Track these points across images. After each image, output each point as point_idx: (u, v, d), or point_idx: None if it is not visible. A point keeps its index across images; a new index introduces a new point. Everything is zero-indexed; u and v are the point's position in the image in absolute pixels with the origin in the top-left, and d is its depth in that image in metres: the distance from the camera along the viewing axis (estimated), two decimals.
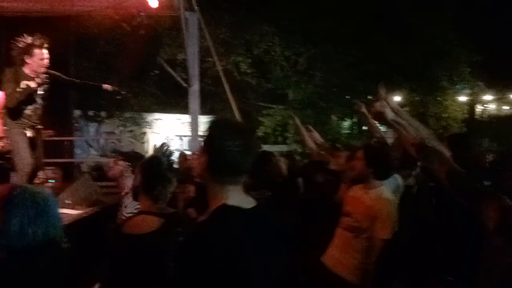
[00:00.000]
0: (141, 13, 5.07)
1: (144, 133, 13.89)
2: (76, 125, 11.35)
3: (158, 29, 5.56)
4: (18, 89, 3.80)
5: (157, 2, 5.10)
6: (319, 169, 4.07)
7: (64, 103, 6.50)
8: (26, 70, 3.91)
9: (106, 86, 4.52)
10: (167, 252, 1.86)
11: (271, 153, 3.96)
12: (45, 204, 1.71)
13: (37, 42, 3.89)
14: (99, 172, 10.42)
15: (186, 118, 13.93)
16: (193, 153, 5.55)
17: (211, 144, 1.43)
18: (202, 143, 1.46)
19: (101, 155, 12.60)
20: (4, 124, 4.11)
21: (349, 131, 17.35)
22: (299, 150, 11.81)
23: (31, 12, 5.98)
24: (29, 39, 3.87)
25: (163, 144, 2.35)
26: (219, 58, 7.15)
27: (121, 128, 12.57)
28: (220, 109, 13.26)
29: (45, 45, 3.93)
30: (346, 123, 17.49)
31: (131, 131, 13.44)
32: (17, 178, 4.14)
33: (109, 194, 6.30)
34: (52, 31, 5.71)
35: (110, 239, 2.20)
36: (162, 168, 2.23)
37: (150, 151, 13.58)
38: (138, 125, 13.66)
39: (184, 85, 6.09)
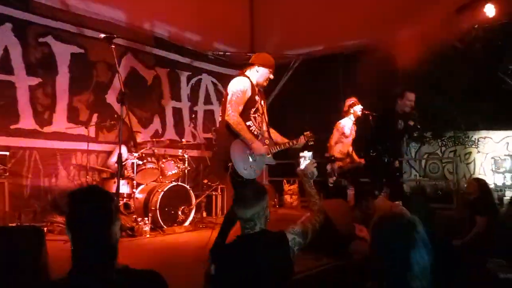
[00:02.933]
0: (475, 26, 4.76)
1: (469, 153, 12.82)
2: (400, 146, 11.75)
3: (495, 39, 5.07)
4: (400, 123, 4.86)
5: (494, 10, 4.67)
6: None
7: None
8: (399, 109, 4.89)
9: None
10: None
11: None
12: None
13: (408, 86, 4.89)
14: (421, 194, 10.40)
15: None
16: None
17: None
18: None
19: (422, 176, 12.52)
20: (371, 151, 4.98)
21: None
22: None
23: (363, 47, 6.70)
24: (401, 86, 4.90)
25: None
26: None
27: (443, 148, 12.09)
28: None
29: (413, 91, 4.83)
30: None
31: (453, 151, 12.71)
32: None
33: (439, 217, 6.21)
34: (376, 62, 6.20)
35: None
36: None
37: (476, 172, 12.42)
38: (462, 145, 12.77)
39: None
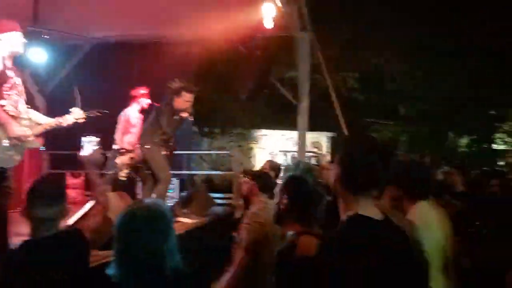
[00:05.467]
0: (257, 35, 5.32)
1: (251, 148, 14.41)
2: (192, 140, 12.29)
3: (271, 49, 5.80)
4: (175, 118, 4.70)
5: (272, 23, 5.33)
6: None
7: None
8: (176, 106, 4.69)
9: None
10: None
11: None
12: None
13: (187, 87, 4.67)
14: (210, 184, 11.15)
15: (290, 134, 14.24)
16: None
17: (347, 158, 1.58)
18: (338, 157, 1.62)
19: (212, 169, 13.44)
20: (146, 143, 4.79)
21: (467, 149, 15.88)
22: None
23: (158, 39, 6.70)
24: (180, 83, 4.67)
25: (299, 162, 2.36)
26: (326, 76, 7.23)
27: (231, 143, 13.25)
28: (326, 125, 13.30)
29: (193, 91, 4.68)
30: (464, 141, 16.05)
31: (239, 146, 14.09)
32: (157, 191, 4.79)
33: (220, 205, 6.73)
34: (175, 56, 6.33)
35: (282, 259, 2.07)
36: (310, 187, 2.16)
37: (257, 166, 14.03)
38: (246, 141, 14.26)
39: (294, 102, 6.22)
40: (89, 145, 2.44)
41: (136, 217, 1.50)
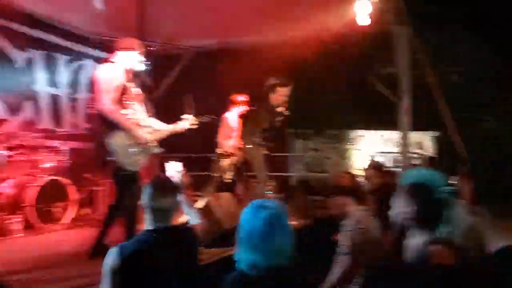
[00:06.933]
0: (351, 32, 5.17)
1: (347, 149, 14.02)
2: (286, 141, 12.36)
3: (366, 46, 5.59)
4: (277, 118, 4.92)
5: (369, 20, 5.14)
6: None
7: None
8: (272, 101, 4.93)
9: None
10: None
11: None
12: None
13: (280, 82, 4.86)
14: (306, 186, 11.04)
15: (388, 134, 13.56)
16: None
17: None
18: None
19: (306, 171, 13.36)
20: (247, 144, 5.00)
21: None
22: None
23: (250, 44, 6.86)
24: (274, 80, 4.90)
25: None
26: (427, 71, 6.78)
27: (325, 144, 13.03)
28: (429, 124, 12.43)
29: (288, 86, 4.83)
30: None
31: (334, 147, 13.79)
32: (256, 191, 4.94)
33: (318, 208, 6.63)
34: (266, 58, 6.42)
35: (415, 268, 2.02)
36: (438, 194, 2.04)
37: (353, 168, 13.61)
38: (341, 142, 13.90)
39: (394, 100, 5.91)
40: (174, 172, 2.57)
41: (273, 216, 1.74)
